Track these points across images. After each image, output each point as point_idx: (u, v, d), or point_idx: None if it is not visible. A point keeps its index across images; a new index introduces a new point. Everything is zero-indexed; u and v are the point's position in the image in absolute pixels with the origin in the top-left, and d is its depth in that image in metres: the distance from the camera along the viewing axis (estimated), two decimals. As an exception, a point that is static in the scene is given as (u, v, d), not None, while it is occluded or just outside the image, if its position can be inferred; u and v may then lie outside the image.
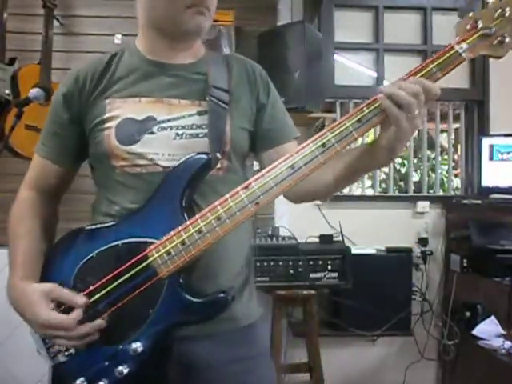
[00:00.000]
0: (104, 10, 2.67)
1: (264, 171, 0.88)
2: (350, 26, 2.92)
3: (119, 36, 2.65)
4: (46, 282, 0.95)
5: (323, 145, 0.86)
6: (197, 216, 0.89)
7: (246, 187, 0.87)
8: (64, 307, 0.91)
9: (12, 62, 2.46)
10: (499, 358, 2.08)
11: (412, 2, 2.94)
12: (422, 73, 0.85)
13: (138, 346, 0.89)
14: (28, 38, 2.60)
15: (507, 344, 2.11)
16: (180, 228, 0.89)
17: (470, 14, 0.85)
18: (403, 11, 2.95)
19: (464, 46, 0.84)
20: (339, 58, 2.92)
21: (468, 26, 0.85)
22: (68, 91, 1.02)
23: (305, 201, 1.10)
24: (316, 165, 0.86)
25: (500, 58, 0.86)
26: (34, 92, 1.59)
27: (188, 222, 0.89)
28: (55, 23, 2.54)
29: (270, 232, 2.50)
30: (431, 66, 0.84)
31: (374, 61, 2.94)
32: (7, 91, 2.37)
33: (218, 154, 0.95)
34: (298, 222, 2.60)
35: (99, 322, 0.90)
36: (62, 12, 2.62)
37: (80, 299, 0.90)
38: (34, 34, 2.55)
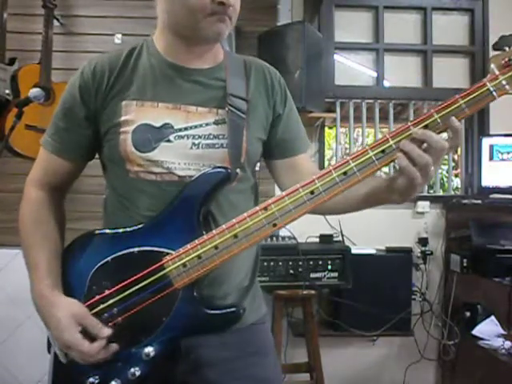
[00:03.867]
0: (104, 10, 2.68)
1: (284, 194, 0.88)
2: (349, 25, 2.92)
3: (119, 36, 2.65)
4: (64, 286, 0.96)
5: (345, 173, 0.86)
6: (214, 231, 0.90)
7: (265, 208, 0.88)
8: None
9: (12, 62, 2.46)
10: (499, 358, 2.08)
11: (412, 2, 2.94)
12: (451, 108, 0.82)
13: (150, 350, 0.92)
14: (28, 38, 2.60)
15: (507, 344, 2.11)
16: (197, 242, 0.90)
17: (507, 49, 0.82)
18: (403, 11, 2.95)
19: (496, 83, 0.81)
20: (339, 58, 2.92)
21: (502, 62, 0.81)
22: (84, 84, 0.98)
23: (319, 214, 1.12)
24: (335, 192, 0.86)
25: None
26: (34, 92, 1.59)
27: (205, 237, 0.90)
28: (55, 23, 2.54)
29: (269, 232, 2.50)
30: (461, 101, 0.82)
31: (374, 61, 2.94)
32: (7, 91, 2.37)
33: (238, 170, 0.96)
34: (298, 222, 2.57)
35: (115, 347, 0.92)
36: (62, 12, 2.62)
37: (105, 332, 0.91)
38: (34, 34, 2.56)
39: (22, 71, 2.44)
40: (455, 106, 0.81)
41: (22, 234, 1.01)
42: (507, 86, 0.82)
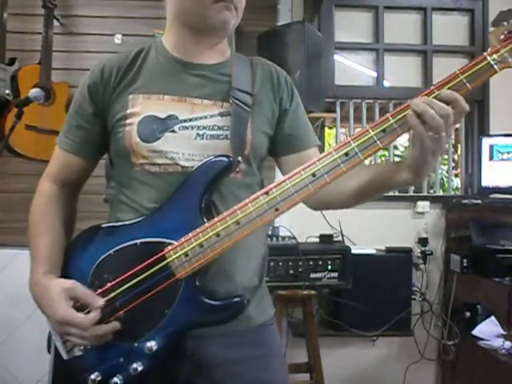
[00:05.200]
0: (104, 10, 2.68)
1: (285, 177, 0.87)
2: (349, 26, 2.92)
3: (119, 36, 2.65)
4: (66, 278, 0.96)
5: (346, 154, 0.84)
6: (216, 219, 0.89)
7: (267, 193, 0.87)
8: (83, 306, 0.92)
9: (12, 62, 2.46)
10: (499, 358, 2.08)
11: (412, 2, 2.94)
12: (453, 83, 0.81)
13: (152, 344, 0.90)
14: (28, 38, 2.60)
15: (507, 344, 2.11)
16: (198, 230, 0.89)
17: (505, 23, 0.82)
18: (403, 11, 2.95)
19: (496, 57, 0.80)
20: (339, 58, 2.92)
21: (502, 36, 0.81)
22: (93, 83, 1.02)
23: (326, 208, 1.10)
24: (338, 174, 0.85)
25: None
26: (34, 92, 1.60)
27: (207, 225, 0.89)
28: (55, 23, 2.54)
29: (270, 232, 2.50)
30: (461, 76, 0.80)
31: (374, 61, 2.94)
32: (7, 91, 2.38)
33: (240, 158, 0.96)
34: (298, 222, 2.60)
35: (114, 325, 0.91)
36: (62, 12, 2.62)
37: (98, 301, 0.91)
38: (34, 34, 2.56)
39: (22, 71, 2.45)
40: (456, 81, 0.80)
41: (29, 225, 1.03)
42: (510, 59, 0.80)
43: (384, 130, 0.83)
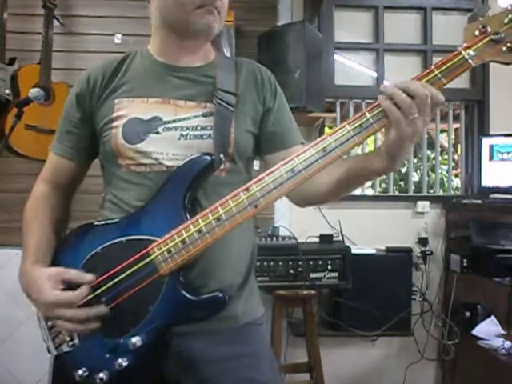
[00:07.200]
0: (104, 10, 2.68)
1: (264, 174, 0.89)
2: (349, 25, 2.92)
3: (119, 36, 2.65)
4: None
5: (324, 149, 0.86)
6: (198, 216, 0.91)
7: (247, 189, 0.89)
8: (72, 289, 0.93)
9: (12, 61, 2.46)
10: (499, 358, 2.08)
11: (412, 2, 2.94)
12: (427, 78, 0.83)
13: (136, 340, 0.91)
14: (28, 38, 2.61)
15: (507, 344, 2.11)
16: (181, 227, 0.91)
17: (480, 19, 0.82)
18: (403, 11, 2.95)
19: (471, 52, 0.82)
20: (339, 58, 2.92)
21: (476, 32, 0.83)
22: (80, 92, 1.06)
23: (308, 204, 1.11)
24: (316, 169, 0.87)
25: (509, 64, 0.82)
26: (34, 92, 1.60)
27: (189, 222, 0.91)
28: (55, 23, 2.54)
29: (270, 232, 2.50)
30: (436, 71, 0.83)
31: (374, 61, 2.94)
32: (7, 91, 2.38)
33: (222, 156, 0.97)
34: (298, 222, 2.60)
35: (100, 308, 0.93)
36: (62, 12, 2.63)
37: (87, 276, 0.93)
38: (34, 34, 2.56)
39: (22, 71, 2.45)
40: (431, 76, 0.83)
41: (23, 225, 1.06)
42: (483, 54, 0.82)
43: (361, 126, 0.85)
